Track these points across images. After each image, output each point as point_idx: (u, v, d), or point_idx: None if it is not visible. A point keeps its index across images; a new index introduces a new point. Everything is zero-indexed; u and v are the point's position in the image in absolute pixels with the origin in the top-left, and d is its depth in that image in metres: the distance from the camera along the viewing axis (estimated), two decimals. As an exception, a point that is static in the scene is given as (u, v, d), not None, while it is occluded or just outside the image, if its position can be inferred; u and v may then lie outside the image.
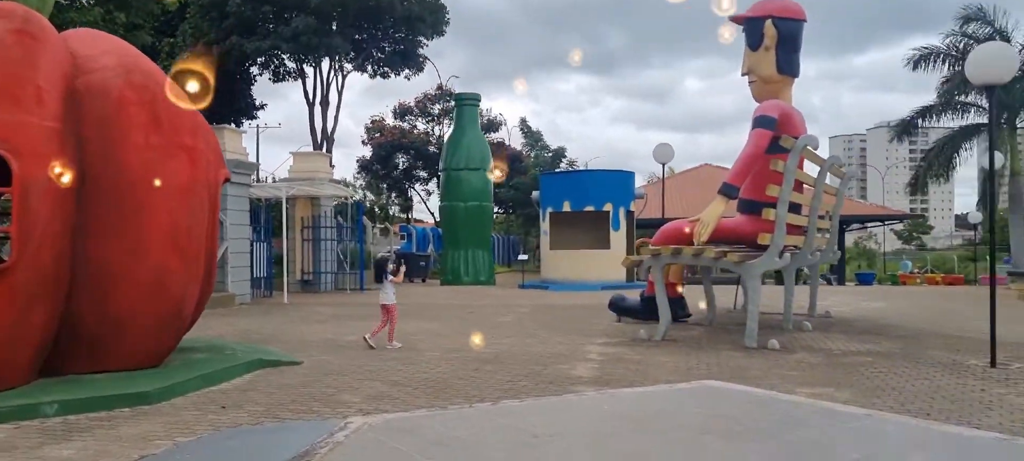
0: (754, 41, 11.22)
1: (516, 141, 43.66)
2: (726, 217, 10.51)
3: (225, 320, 13.17)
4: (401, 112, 42.72)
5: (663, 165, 16.15)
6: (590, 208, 22.01)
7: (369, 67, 29.07)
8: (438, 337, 10.66)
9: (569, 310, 14.94)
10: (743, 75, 11.74)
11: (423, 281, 28.35)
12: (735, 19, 11.68)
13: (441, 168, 26.38)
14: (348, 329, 11.96)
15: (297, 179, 20.27)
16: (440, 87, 41.15)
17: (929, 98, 33.83)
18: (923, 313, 14.08)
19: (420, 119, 42.93)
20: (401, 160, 42.90)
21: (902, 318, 13.05)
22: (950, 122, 33.16)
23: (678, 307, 12.21)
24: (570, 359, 8.62)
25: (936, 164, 31.98)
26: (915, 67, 31.67)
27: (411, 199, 48.04)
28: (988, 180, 27.16)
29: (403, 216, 49.91)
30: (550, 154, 40.39)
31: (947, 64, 33.67)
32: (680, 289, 12.01)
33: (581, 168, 38.41)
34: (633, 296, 12.67)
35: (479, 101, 26.33)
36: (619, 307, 12.51)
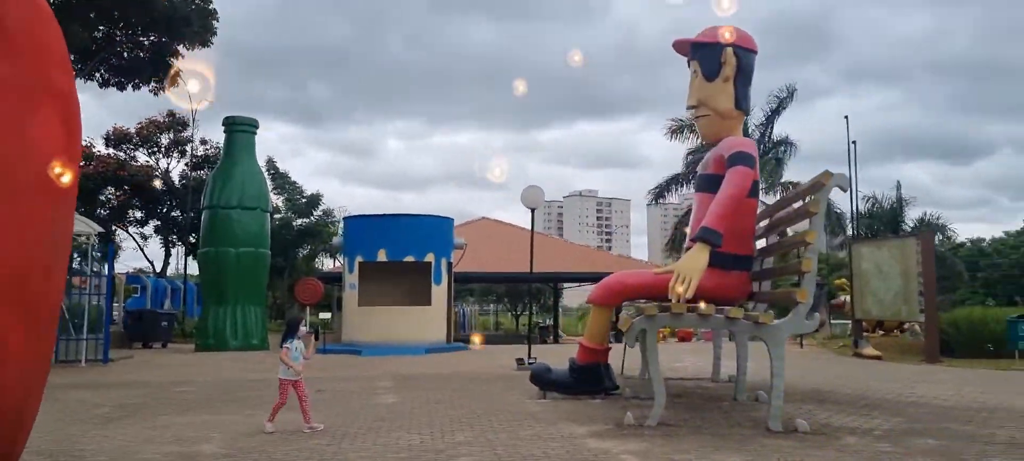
0: (710, 70, 9.83)
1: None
2: (661, 270, 8.96)
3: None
4: (116, 139, 35.53)
5: (532, 211, 14.14)
6: (411, 258, 19.01)
7: (99, 74, 23.07)
8: (335, 439, 7.30)
9: (452, 383, 12.05)
10: (689, 108, 10.31)
11: (164, 346, 22.76)
12: (679, 45, 10.27)
13: (204, 206, 21.49)
14: (173, 430, 7.91)
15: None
16: (171, 113, 35.05)
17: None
18: (792, 372, 13.65)
19: (141, 149, 36.14)
20: (112, 196, 35.56)
21: (801, 381, 12.34)
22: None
23: (607, 377, 10.18)
24: (614, 466, 6.04)
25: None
26: (672, 137, 34.26)
27: (118, 245, 40.10)
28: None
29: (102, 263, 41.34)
30: (304, 200, 36.17)
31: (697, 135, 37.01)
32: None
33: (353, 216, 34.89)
34: (557, 366, 10.32)
35: (256, 128, 21.99)
36: (544, 380, 10.07)
